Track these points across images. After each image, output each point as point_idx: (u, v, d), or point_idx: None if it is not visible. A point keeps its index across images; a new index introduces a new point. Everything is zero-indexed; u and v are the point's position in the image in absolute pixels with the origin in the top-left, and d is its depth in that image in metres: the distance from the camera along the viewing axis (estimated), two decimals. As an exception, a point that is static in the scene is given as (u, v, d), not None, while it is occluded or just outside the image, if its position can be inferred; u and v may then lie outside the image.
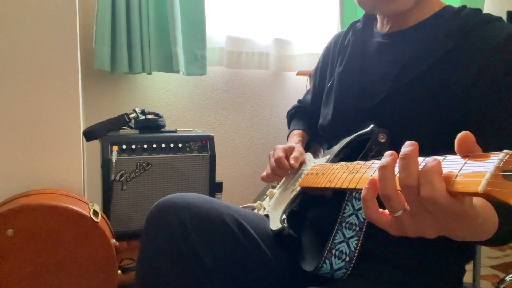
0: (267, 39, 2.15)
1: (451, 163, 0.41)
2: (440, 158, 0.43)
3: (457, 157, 0.41)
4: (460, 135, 0.41)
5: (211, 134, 1.62)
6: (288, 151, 0.95)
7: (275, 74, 2.26)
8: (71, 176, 1.41)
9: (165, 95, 2.02)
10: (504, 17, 2.15)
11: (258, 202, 1.01)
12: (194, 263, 0.75)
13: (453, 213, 0.41)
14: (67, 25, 1.36)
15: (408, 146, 0.43)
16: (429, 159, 0.42)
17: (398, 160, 0.44)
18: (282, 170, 0.93)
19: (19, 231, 1.18)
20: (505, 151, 0.37)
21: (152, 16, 1.79)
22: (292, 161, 0.91)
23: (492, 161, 0.36)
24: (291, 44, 2.19)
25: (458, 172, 0.39)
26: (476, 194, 0.36)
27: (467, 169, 0.39)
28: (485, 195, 0.35)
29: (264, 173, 0.98)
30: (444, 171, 0.41)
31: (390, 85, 0.78)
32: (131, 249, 1.54)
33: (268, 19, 2.15)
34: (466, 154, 0.40)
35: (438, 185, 0.40)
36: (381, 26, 0.89)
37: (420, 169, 0.42)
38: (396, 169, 0.44)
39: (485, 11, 0.79)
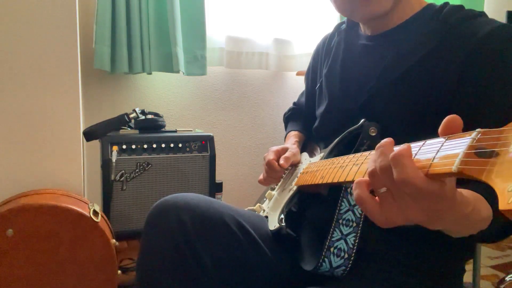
0: (267, 39, 2.15)
1: (429, 147, 0.42)
2: (420, 142, 0.44)
3: (436, 140, 0.42)
4: (448, 117, 0.42)
5: (211, 134, 1.62)
6: (281, 153, 0.96)
7: (275, 74, 2.26)
8: (71, 176, 1.41)
9: (165, 95, 2.02)
10: (504, 17, 2.15)
11: (258, 204, 1.02)
12: (194, 263, 0.75)
13: (430, 194, 0.41)
14: (67, 25, 1.37)
15: (385, 140, 0.46)
16: (413, 144, 0.44)
17: (375, 151, 0.46)
18: (275, 172, 0.93)
19: (19, 231, 1.18)
20: (477, 129, 0.38)
21: (152, 16, 1.79)
22: (281, 161, 0.91)
23: (466, 140, 0.38)
24: (291, 44, 2.20)
25: (435, 154, 0.40)
26: (451, 173, 0.37)
27: (444, 151, 0.40)
28: (459, 174, 0.36)
29: (261, 176, 0.98)
30: (423, 155, 0.42)
31: (373, 86, 0.79)
32: (131, 249, 1.55)
33: (268, 19, 2.15)
34: (443, 136, 0.41)
35: (408, 167, 0.41)
36: (363, 29, 0.90)
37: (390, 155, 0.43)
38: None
39: (485, 11, 0.79)
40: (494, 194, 0.33)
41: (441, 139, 0.41)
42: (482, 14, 0.75)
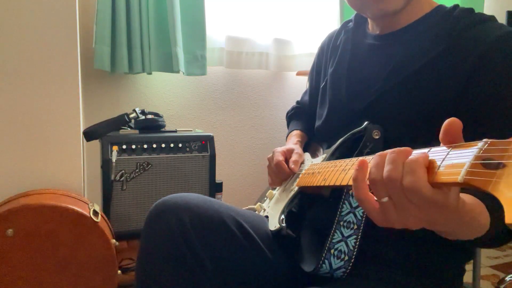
0: (267, 39, 2.15)
1: (435, 154, 0.42)
2: (425, 150, 0.44)
3: (441, 148, 0.42)
4: (447, 121, 0.41)
5: (211, 134, 1.62)
6: (287, 154, 0.95)
7: (275, 74, 2.26)
8: (71, 176, 1.41)
9: (165, 95, 2.02)
10: (504, 17, 2.15)
11: (258, 204, 1.01)
12: (194, 263, 0.75)
13: (435, 204, 0.41)
14: (67, 25, 1.37)
15: (402, 147, 0.45)
16: (417, 151, 0.44)
17: (387, 154, 0.45)
18: (284, 174, 0.93)
19: (19, 231, 1.18)
20: (484, 139, 0.37)
21: (152, 16, 1.79)
22: (292, 165, 0.91)
23: (472, 151, 0.37)
24: (291, 44, 2.19)
25: (441, 163, 0.40)
26: (456, 183, 0.37)
27: (449, 159, 0.39)
28: (465, 184, 0.36)
29: (269, 179, 0.98)
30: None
31: (381, 86, 0.78)
32: (131, 249, 1.55)
33: (268, 19, 2.15)
34: (450, 144, 0.41)
35: (420, 176, 0.41)
36: (372, 28, 0.89)
37: (405, 161, 0.43)
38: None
39: (485, 11, 0.79)
40: (495, 200, 0.33)
41: (446, 148, 0.41)
42: (492, 18, 0.74)
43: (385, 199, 0.45)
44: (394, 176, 0.43)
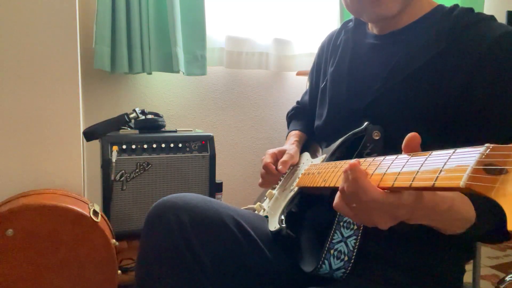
0: (267, 39, 2.15)
1: (437, 158, 0.42)
2: (426, 154, 0.44)
3: (443, 152, 0.42)
4: (408, 136, 0.47)
5: (211, 134, 1.62)
6: (279, 155, 0.95)
7: (275, 74, 2.26)
8: (71, 176, 1.41)
9: (165, 95, 2.02)
10: (504, 17, 2.15)
11: (258, 203, 1.02)
12: (193, 264, 0.75)
13: (391, 205, 0.47)
14: (67, 25, 1.37)
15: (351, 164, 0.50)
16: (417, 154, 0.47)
17: (342, 173, 0.52)
18: (272, 176, 0.93)
19: (19, 231, 1.18)
20: (487, 144, 0.37)
21: (152, 16, 1.79)
22: (279, 166, 0.91)
23: (474, 155, 0.37)
24: (291, 44, 2.19)
25: (442, 167, 0.40)
26: (458, 188, 0.37)
27: (451, 163, 0.39)
28: (467, 190, 0.36)
29: (260, 180, 0.99)
30: (430, 167, 0.42)
31: (381, 86, 0.78)
32: (131, 249, 1.54)
33: (268, 19, 2.15)
34: (454, 149, 0.41)
35: (368, 187, 0.47)
36: (371, 28, 0.89)
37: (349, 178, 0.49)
38: None
39: (485, 11, 0.79)
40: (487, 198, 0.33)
41: (448, 152, 0.41)
42: (492, 18, 0.75)
43: (354, 204, 0.51)
44: (352, 192, 0.49)
